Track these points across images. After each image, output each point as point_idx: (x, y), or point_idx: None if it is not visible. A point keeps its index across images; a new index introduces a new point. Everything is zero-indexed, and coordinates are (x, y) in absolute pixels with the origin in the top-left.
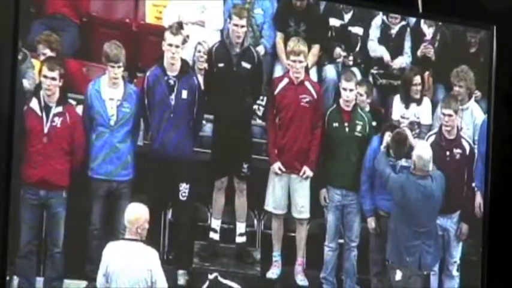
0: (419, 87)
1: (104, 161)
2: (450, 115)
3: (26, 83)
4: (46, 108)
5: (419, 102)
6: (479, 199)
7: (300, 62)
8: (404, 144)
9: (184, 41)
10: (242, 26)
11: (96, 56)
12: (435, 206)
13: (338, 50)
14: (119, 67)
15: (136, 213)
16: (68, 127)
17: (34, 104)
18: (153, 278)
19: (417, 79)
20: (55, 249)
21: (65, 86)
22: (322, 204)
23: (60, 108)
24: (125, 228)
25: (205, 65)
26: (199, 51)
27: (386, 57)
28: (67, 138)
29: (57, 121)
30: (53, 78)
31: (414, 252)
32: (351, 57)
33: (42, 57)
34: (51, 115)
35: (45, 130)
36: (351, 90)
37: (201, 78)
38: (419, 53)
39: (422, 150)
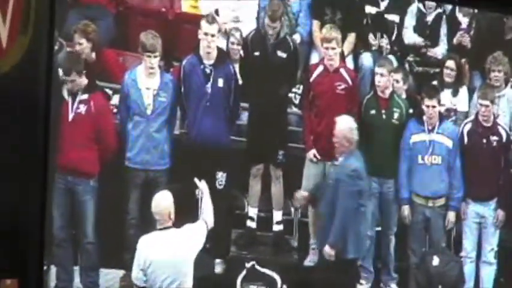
0: (452, 72)
1: (140, 151)
2: (487, 105)
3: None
4: (73, 96)
5: (455, 88)
6: None
7: (333, 48)
8: None
9: (220, 30)
10: (275, 28)
11: (133, 45)
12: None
13: (373, 38)
14: (155, 57)
15: (164, 202)
16: (92, 115)
17: (64, 92)
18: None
19: (450, 63)
20: (85, 239)
21: (93, 73)
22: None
23: (85, 96)
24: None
25: (241, 53)
26: (234, 39)
27: (421, 41)
28: (92, 126)
29: (82, 108)
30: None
31: None
32: (387, 45)
33: (78, 47)
34: (76, 102)
35: (70, 117)
36: (382, 75)
37: (236, 67)
38: (455, 41)
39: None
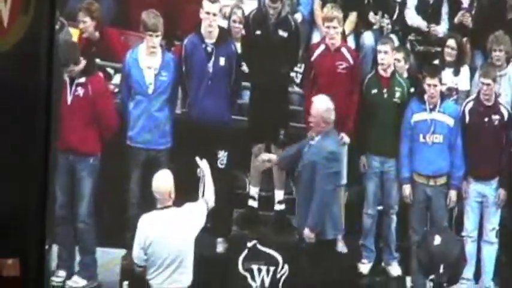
0: (453, 52)
1: (142, 130)
2: (489, 84)
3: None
4: (71, 79)
5: (456, 67)
6: None
7: (334, 27)
8: None
9: (221, 10)
10: (276, 8)
11: (134, 24)
12: None
13: (374, 16)
14: (157, 36)
15: (165, 182)
16: (90, 97)
17: (64, 74)
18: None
19: (451, 42)
20: (79, 218)
21: (95, 53)
22: (362, 171)
23: (82, 79)
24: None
25: (243, 31)
26: (235, 17)
27: (424, 24)
28: (91, 108)
29: (80, 91)
30: None
31: None
32: (388, 24)
33: (81, 25)
34: (74, 85)
35: (69, 101)
36: (385, 52)
37: (238, 46)
38: (456, 20)
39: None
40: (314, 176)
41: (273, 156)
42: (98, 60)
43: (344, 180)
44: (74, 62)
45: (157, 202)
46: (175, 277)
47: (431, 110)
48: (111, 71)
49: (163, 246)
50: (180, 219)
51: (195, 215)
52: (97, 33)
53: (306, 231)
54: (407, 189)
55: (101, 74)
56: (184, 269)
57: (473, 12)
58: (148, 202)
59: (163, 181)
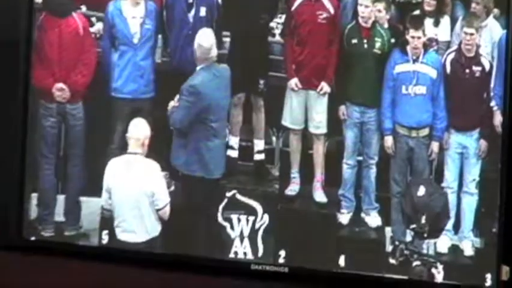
0: (432, 1)
1: (127, 80)
2: (472, 34)
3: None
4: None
5: (436, 18)
6: (499, 117)
7: None
8: None
9: None
10: None
11: None
12: None
13: None
14: None
15: (143, 129)
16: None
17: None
18: (154, 194)
19: None
20: (73, 165)
21: None
22: (341, 119)
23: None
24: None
25: None
26: None
27: None
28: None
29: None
30: None
31: None
32: None
33: None
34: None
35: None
36: (366, 6)
37: None
38: None
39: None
40: None
41: None
42: (83, 8)
43: (323, 130)
44: None
45: (128, 147)
46: (135, 226)
47: (414, 61)
48: (93, 19)
49: (122, 193)
50: (145, 168)
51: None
52: None
53: None
54: (389, 140)
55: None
56: (145, 219)
57: None
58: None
59: (139, 128)
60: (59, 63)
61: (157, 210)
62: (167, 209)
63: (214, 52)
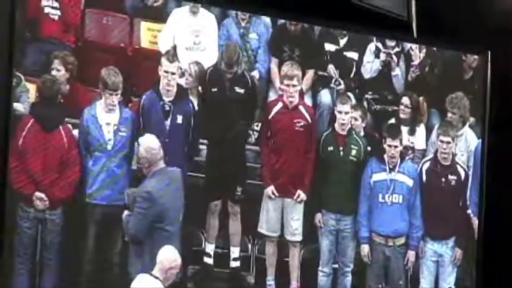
0: (407, 109)
1: (102, 187)
2: (448, 142)
3: (20, 107)
4: None
5: (412, 126)
6: (475, 224)
7: (294, 86)
8: None
9: (180, 69)
10: (231, 72)
11: (93, 80)
12: None
13: (332, 71)
14: (117, 94)
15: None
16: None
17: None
18: None
19: (405, 100)
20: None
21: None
22: (317, 226)
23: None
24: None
25: (199, 88)
26: (190, 74)
27: (380, 82)
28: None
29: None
30: None
31: None
32: (342, 84)
33: (54, 72)
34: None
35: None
36: (346, 113)
37: (195, 102)
38: (409, 78)
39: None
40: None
41: None
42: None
43: (299, 237)
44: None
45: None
46: None
47: (391, 170)
48: (70, 126)
49: None
50: None
51: None
52: (68, 86)
53: None
54: (365, 248)
55: (63, 134)
56: None
57: (427, 69)
58: (104, 260)
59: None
60: (43, 173)
61: None
62: None
63: (161, 153)
